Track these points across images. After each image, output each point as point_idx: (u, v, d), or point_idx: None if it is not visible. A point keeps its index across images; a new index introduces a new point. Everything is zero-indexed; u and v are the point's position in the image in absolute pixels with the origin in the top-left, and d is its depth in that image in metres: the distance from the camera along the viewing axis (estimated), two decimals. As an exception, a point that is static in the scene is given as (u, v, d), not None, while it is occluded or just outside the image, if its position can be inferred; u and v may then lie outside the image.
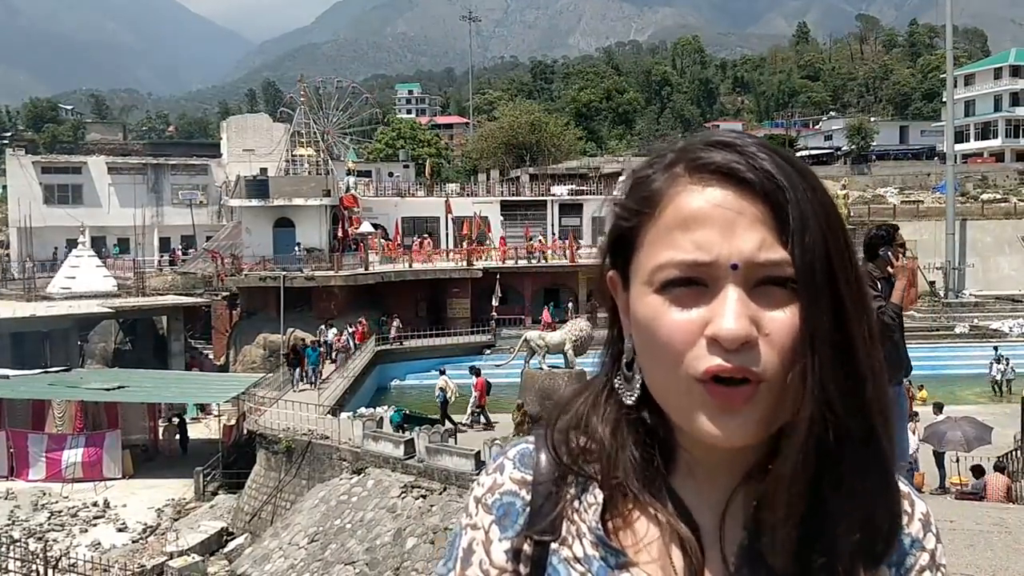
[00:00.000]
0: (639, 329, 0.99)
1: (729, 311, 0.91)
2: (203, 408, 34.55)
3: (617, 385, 1.06)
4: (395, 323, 40.93)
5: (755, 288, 0.92)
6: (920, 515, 1.08)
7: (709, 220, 0.93)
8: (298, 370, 31.57)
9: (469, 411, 27.86)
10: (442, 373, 29.16)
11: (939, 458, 19.09)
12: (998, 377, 34.53)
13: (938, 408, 21.77)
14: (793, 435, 0.93)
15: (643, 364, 1.01)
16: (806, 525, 0.95)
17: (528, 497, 1.08)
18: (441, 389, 27.80)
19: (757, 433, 0.94)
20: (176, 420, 32.06)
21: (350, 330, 38.15)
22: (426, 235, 50.91)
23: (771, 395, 0.93)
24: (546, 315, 43.41)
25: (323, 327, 38.51)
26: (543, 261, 48.26)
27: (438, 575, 1.14)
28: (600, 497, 1.05)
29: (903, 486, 1.08)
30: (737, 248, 0.92)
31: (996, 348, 37.29)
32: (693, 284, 0.94)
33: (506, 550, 1.07)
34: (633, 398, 1.04)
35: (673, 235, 0.95)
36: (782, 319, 0.92)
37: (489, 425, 27.34)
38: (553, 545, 1.05)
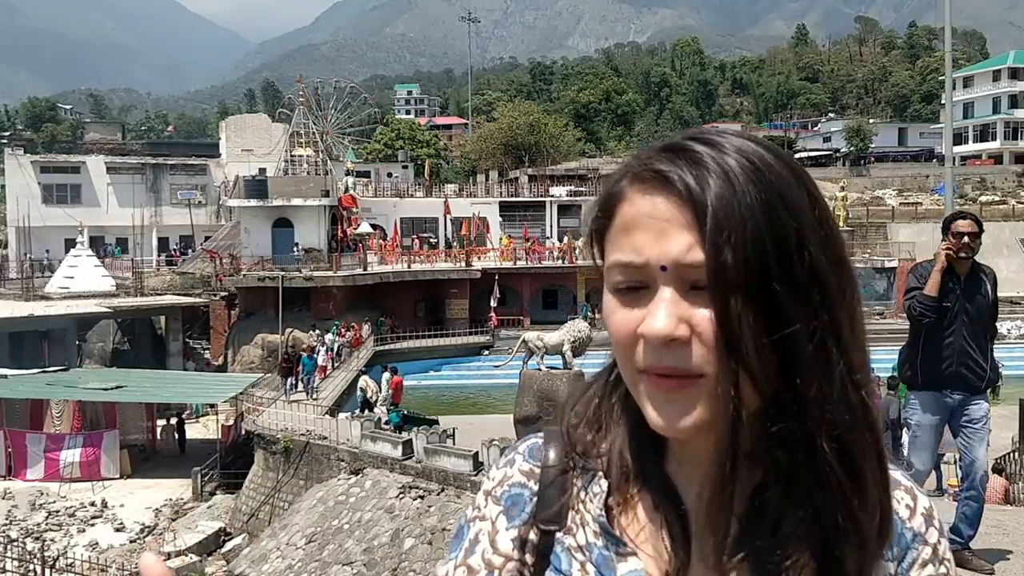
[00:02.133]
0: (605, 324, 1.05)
1: (658, 311, 0.96)
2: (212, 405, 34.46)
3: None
4: (364, 327, 39.61)
5: (691, 290, 0.97)
6: (923, 509, 1.09)
7: (645, 225, 0.99)
8: (290, 379, 30.59)
9: (384, 409, 27.75)
10: (363, 374, 29.24)
11: (936, 459, 19.09)
12: None
13: None
14: (718, 433, 0.97)
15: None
16: (756, 525, 0.98)
17: (536, 487, 1.12)
18: (361, 389, 27.86)
19: (697, 423, 0.97)
20: (174, 420, 32.07)
21: (346, 337, 37.52)
22: (429, 236, 51.04)
23: (712, 389, 0.96)
24: (492, 314, 43.40)
25: (316, 332, 37.38)
26: (568, 260, 47.90)
27: (440, 564, 1.17)
28: (605, 486, 1.09)
29: (905, 481, 1.10)
30: (665, 251, 0.96)
31: None
32: (638, 285, 1.00)
33: (513, 538, 1.11)
34: None
35: (619, 238, 1.01)
36: (710, 319, 0.96)
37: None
38: (559, 535, 1.09)
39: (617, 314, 1.01)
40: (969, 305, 6.17)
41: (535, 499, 1.12)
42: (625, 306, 1.00)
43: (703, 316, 0.96)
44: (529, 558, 1.10)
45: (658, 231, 0.97)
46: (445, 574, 1.14)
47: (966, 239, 6.06)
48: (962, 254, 6.07)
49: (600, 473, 1.10)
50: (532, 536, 1.10)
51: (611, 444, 1.10)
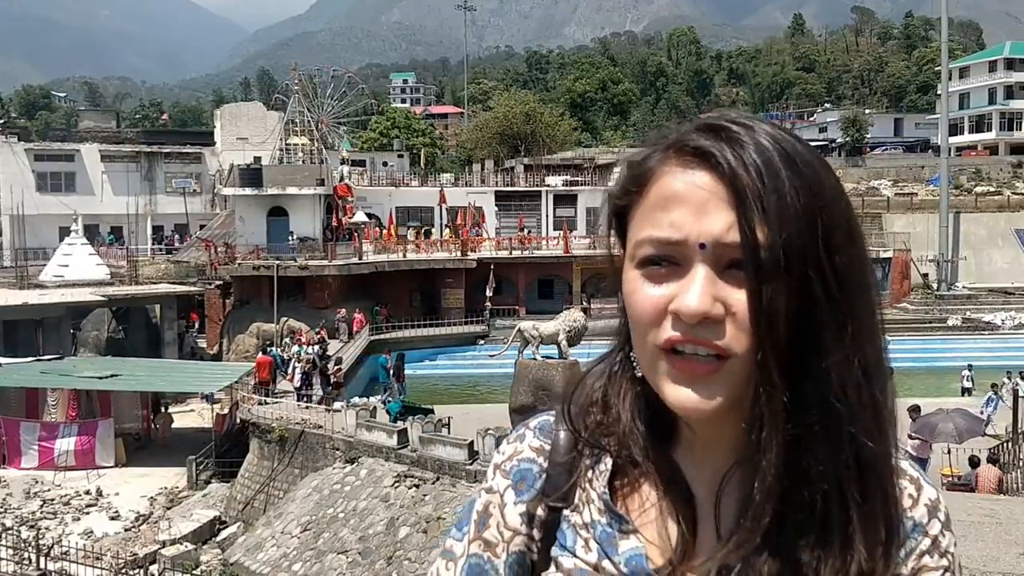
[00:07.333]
0: (625, 302, 1.04)
1: (694, 288, 0.95)
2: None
3: (632, 358, 1.09)
4: (339, 320, 37.83)
5: (726, 270, 0.96)
6: (927, 500, 1.08)
7: (684, 200, 0.97)
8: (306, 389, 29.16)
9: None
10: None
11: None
12: (967, 384, 33.88)
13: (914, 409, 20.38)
14: (752, 416, 0.96)
15: (632, 336, 1.05)
16: (778, 508, 0.96)
17: (544, 464, 1.13)
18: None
19: (721, 406, 0.96)
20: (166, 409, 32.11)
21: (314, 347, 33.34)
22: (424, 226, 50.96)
23: (739, 371, 0.95)
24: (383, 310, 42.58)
25: (289, 341, 35.04)
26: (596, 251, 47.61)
27: (452, 539, 1.17)
28: (610, 464, 1.10)
29: (912, 471, 1.09)
30: (707, 228, 0.95)
31: (970, 367, 35.09)
32: (668, 262, 0.98)
33: (521, 513, 1.12)
34: (640, 371, 1.07)
35: (654, 214, 1.00)
36: (744, 299, 0.95)
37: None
38: (565, 512, 1.10)
39: (643, 290, 0.99)
40: None
41: (544, 476, 1.12)
42: (653, 283, 0.99)
43: (738, 296, 0.95)
44: (536, 533, 1.11)
45: (699, 207, 0.96)
46: (462, 552, 1.15)
47: None
48: None
49: (607, 453, 1.10)
50: (540, 512, 1.11)
51: (621, 427, 1.09)
